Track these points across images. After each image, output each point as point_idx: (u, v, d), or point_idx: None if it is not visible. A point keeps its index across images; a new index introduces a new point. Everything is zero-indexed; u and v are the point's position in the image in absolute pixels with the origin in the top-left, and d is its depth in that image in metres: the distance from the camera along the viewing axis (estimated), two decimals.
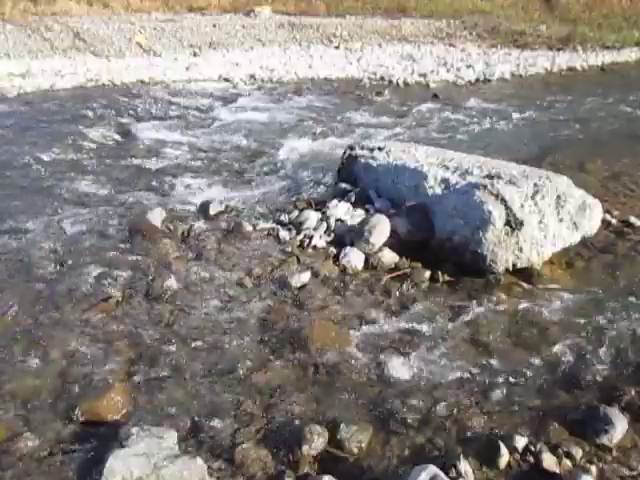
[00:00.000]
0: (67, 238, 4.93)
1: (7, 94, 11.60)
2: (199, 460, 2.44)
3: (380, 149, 5.42)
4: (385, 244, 4.43)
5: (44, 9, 18.96)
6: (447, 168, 4.68)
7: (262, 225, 4.94)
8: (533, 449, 2.63)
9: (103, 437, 2.71)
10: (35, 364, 3.26)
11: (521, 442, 2.67)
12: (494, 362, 3.30)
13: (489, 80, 13.23)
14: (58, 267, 4.41)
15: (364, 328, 3.63)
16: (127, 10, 20.36)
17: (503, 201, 4.07)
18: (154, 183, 6.46)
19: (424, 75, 13.44)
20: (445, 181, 4.52)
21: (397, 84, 12.89)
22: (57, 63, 14.70)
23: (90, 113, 9.81)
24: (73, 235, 4.99)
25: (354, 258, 4.35)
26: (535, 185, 4.19)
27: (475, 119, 9.59)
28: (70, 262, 4.47)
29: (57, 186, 6.34)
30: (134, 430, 2.54)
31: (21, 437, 2.71)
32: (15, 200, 5.83)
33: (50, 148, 7.62)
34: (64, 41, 16.75)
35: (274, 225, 4.94)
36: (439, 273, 4.22)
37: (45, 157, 7.32)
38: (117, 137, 8.46)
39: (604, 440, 2.68)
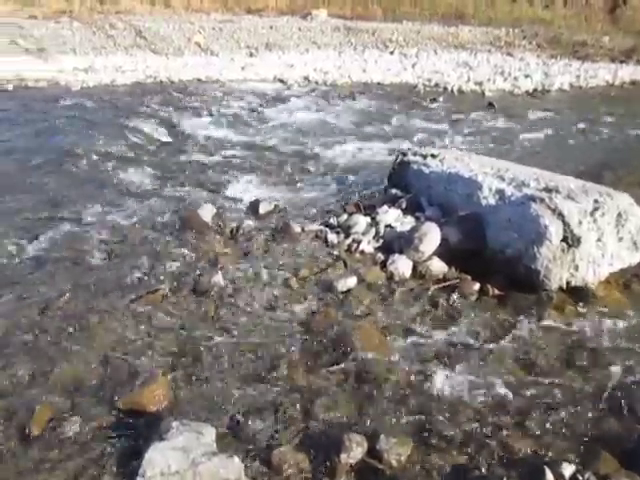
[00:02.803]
0: (119, 228, 5.04)
1: (72, 87, 12.13)
2: (236, 459, 2.42)
3: (433, 156, 5.35)
4: (434, 253, 4.36)
5: (109, 8, 19.62)
6: (502, 179, 4.55)
7: (310, 227, 4.94)
8: (581, 478, 2.50)
9: (143, 427, 2.73)
10: (82, 350, 3.32)
11: (568, 470, 2.53)
12: (542, 383, 3.16)
13: (547, 91, 12.85)
14: (109, 256, 4.52)
15: (409, 338, 3.56)
16: (187, 10, 20.84)
17: (561, 216, 3.92)
18: (205, 179, 6.55)
19: (480, 83, 13.19)
20: (500, 192, 4.40)
21: (452, 91, 12.72)
22: (119, 59, 15.22)
23: (147, 109, 10.09)
24: (125, 226, 5.09)
25: (402, 265, 4.29)
26: (595, 201, 4.02)
27: (532, 130, 9.34)
28: (120, 252, 4.57)
29: (112, 177, 6.51)
30: (174, 424, 2.53)
31: (65, 420, 2.77)
32: (71, 189, 6.02)
33: (107, 140, 7.82)
34: (126, 39, 17.29)
35: (322, 228, 4.93)
36: (489, 286, 4.09)
37: (102, 149, 7.52)
38: (171, 133, 8.65)
39: None
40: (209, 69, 14.44)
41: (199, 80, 13.37)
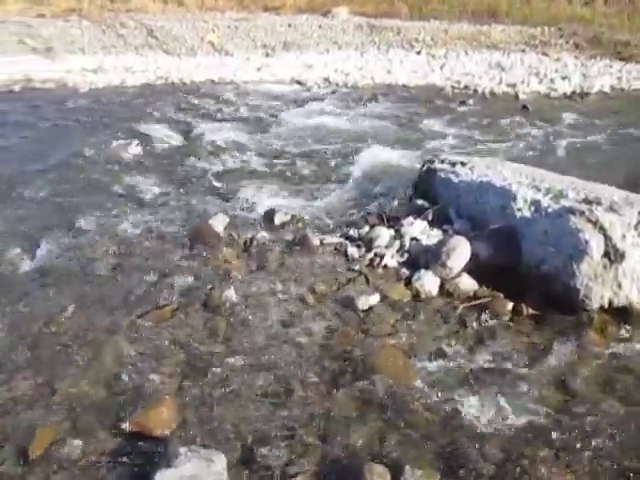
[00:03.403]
0: (125, 239, 5.07)
1: (79, 89, 12.35)
2: None
3: (463, 164, 5.33)
4: (464, 269, 4.32)
5: (120, 6, 20.00)
6: (538, 189, 4.50)
7: (329, 239, 4.93)
8: None
9: (150, 452, 2.73)
10: (87, 369, 3.34)
11: None
12: (581, 411, 3.10)
13: (587, 93, 12.71)
14: (115, 269, 4.54)
15: (436, 361, 3.52)
16: (201, 9, 21.15)
17: (602, 229, 3.86)
18: (218, 187, 6.58)
19: (513, 85, 13.11)
20: (536, 203, 4.35)
21: (483, 94, 12.65)
22: (129, 60, 15.46)
23: (157, 112, 10.18)
24: (132, 236, 5.12)
25: (428, 282, 4.26)
26: None
27: (569, 135, 9.22)
28: (127, 265, 4.59)
29: (118, 184, 6.55)
30: (182, 450, 2.53)
31: (68, 442, 2.79)
32: (77, 196, 6.09)
33: (115, 145, 7.90)
34: (137, 38, 17.57)
35: (342, 240, 4.93)
36: (523, 305, 4.02)
37: (110, 154, 7.60)
38: (182, 137, 8.71)
39: None
40: (223, 70, 14.59)
41: (212, 81, 13.51)
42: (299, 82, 13.60)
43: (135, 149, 7.76)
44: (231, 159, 7.69)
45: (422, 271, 4.37)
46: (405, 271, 4.47)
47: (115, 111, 10.30)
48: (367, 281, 4.34)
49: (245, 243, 4.95)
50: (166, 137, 8.56)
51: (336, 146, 8.33)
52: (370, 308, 4.01)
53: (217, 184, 6.67)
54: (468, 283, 4.28)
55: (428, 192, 5.52)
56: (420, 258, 4.58)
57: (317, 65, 15.26)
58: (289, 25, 19.30)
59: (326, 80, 13.68)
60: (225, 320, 3.84)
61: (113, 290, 4.20)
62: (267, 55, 16.99)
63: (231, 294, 4.06)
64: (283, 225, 5.34)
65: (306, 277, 4.38)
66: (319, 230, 5.27)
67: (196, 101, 11.34)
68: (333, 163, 7.56)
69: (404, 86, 13.41)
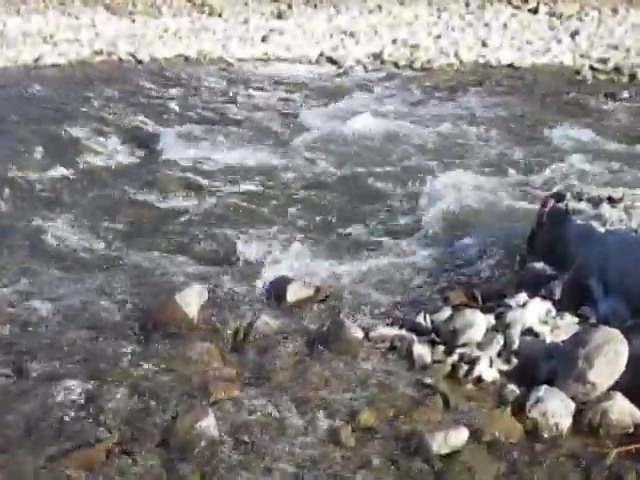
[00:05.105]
0: (39, 325, 4.71)
1: None
2: None
3: (613, 201, 5.15)
4: (616, 386, 3.89)
5: None
6: None
7: (381, 331, 4.55)
8: None
9: None
10: None
11: None
12: None
13: None
14: (18, 378, 4.14)
15: None
16: None
17: None
18: (192, 238, 6.21)
19: None
20: None
21: None
22: (49, 22, 14.01)
23: (93, 109, 9.53)
24: (50, 321, 4.73)
25: (555, 408, 3.80)
26: None
27: None
28: (39, 370, 4.19)
29: (29, 232, 6.14)
30: None
31: None
32: None
33: (22, 167, 7.41)
34: None
35: (403, 332, 4.55)
36: None
37: (13, 183, 6.96)
38: (133, 153, 8.36)
39: None
40: (204, 40, 13.40)
41: (187, 59, 12.59)
42: (332, 61, 12.57)
43: (55, 172, 7.17)
44: (215, 190, 7.13)
45: (543, 389, 3.92)
46: (513, 388, 4.05)
47: (23, 107, 9.65)
48: (447, 405, 3.93)
49: (236, 335, 4.56)
50: (109, 152, 8.05)
51: (390, 168, 7.69)
52: (454, 453, 3.57)
53: (192, 232, 6.24)
54: (625, 410, 3.82)
55: (553, 250, 5.27)
56: (540, 366, 4.20)
57: (362, 32, 13.89)
58: None
59: (377, 57, 12.59)
60: (198, 470, 3.41)
61: (12, 419, 3.76)
62: (279, 15, 15.31)
63: (209, 425, 3.64)
64: (301, 304, 4.94)
65: (339, 397, 3.92)
66: (362, 314, 4.86)
67: (160, 92, 10.58)
68: (385, 196, 7.04)
69: (510, 67, 12.45)
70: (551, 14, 14.23)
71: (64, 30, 13.19)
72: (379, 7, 14.54)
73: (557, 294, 4.75)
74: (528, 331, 4.44)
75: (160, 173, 7.58)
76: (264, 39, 13.40)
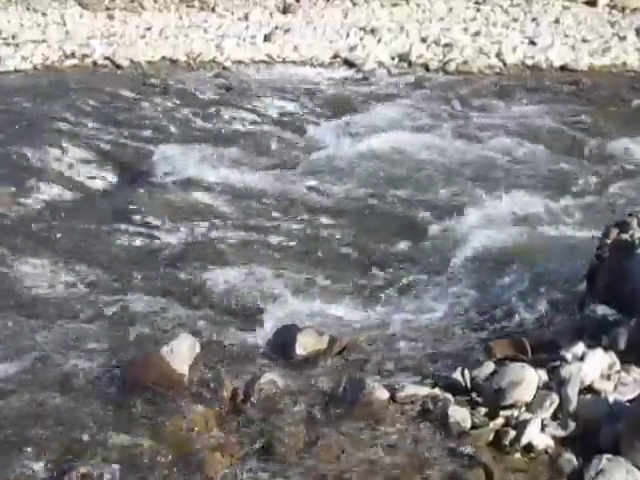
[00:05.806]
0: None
1: None
2: None
3: None
4: None
5: None
6: None
7: (410, 390, 4.25)
8: None
9: None
10: None
11: None
12: None
13: None
14: None
15: None
16: None
17: None
18: (178, 277, 6.05)
19: None
20: None
21: None
22: (11, 20, 13.63)
23: (61, 125, 9.35)
24: (10, 387, 4.45)
25: None
26: None
27: None
28: None
29: None
30: None
31: None
32: None
33: None
34: None
35: (437, 392, 4.25)
36: None
37: None
38: (110, 178, 7.85)
39: None
40: (196, 39, 12.99)
41: (173, 62, 12.32)
42: (349, 63, 12.22)
43: (17, 202, 7.07)
44: (207, 221, 6.96)
45: (606, 459, 3.65)
46: (570, 458, 3.78)
47: None
48: (490, 479, 3.69)
49: (235, 396, 4.27)
50: (81, 177, 7.69)
51: (424, 196, 7.49)
52: None
53: (179, 271, 6.08)
54: None
55: (617, 289, 4.96)
56: (602, 432, 3.89)
57: (386, 29, 13.44)
58: None
59: (403, 59, 12.19)
60: None
61: None
62: (284, 9, 15.17)
63: None
64: (313, 358, 4.72)
65: (360, 472, 3.62)
66: (387, 370, 4.61)
67: (142, 103, 10.40)
68: (416, 230, 6.84)
69: (564, 70, 12.11)
70: (612, 7, 13.73)
71: (29, 29, 12.92)
72: None
73: (622, 344, 4.50)
74: (588, 389, 4.15)
75: (142, 201, 7.34)
76: (267, 38, 12.97)
